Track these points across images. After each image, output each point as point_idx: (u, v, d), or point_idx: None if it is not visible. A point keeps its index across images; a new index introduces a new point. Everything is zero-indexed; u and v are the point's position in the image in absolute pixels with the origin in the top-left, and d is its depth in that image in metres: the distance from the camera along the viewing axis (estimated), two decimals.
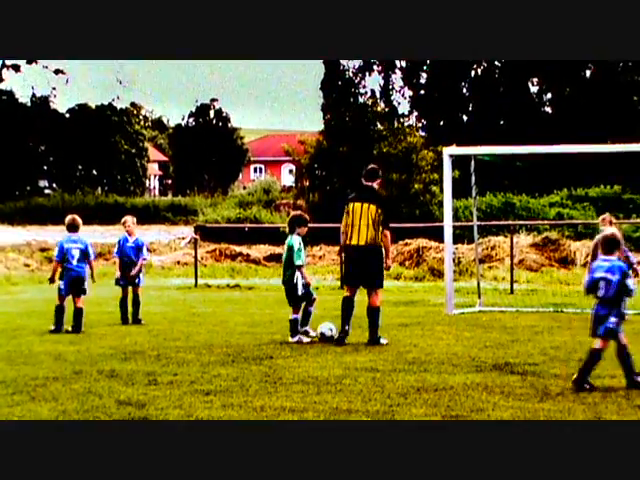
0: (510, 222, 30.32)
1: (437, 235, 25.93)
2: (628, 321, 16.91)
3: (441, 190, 29.14)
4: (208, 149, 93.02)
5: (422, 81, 60.85)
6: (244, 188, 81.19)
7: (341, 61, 59.65)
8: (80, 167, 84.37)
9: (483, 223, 29.79)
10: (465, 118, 60.03)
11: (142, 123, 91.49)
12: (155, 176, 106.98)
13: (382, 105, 54.93)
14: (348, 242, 14.34)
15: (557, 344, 13.88)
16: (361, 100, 57.48)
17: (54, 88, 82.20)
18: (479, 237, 24.43)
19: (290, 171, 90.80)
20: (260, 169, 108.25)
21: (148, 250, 19.05)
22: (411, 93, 60.92)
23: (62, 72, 76.84)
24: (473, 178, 19.97)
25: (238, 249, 32.66)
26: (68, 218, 16.36)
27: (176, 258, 32.24)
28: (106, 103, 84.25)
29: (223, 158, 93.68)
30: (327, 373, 11.37)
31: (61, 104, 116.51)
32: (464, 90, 60.48)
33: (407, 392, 10.17)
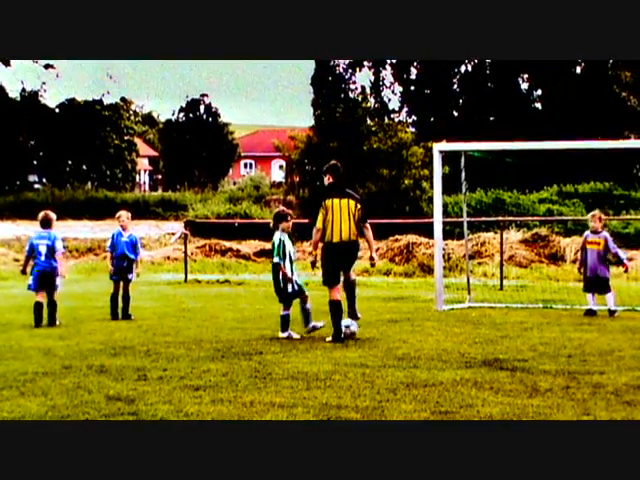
0: (500, 218, 30.30)
1: (427, 231, 25.91)
2: (618, 317, 17.05)
3: (431, 186, 29.19)
4: (198, 144, 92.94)
5: (412, 77, 60.85)
6: (234, 184, 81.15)
7: None
8: (70, 162, 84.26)
9: (473, 219, 29.79)
10: (455, 114, 60.06)
11: (132, 118, 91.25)
12: (145, 171, 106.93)
13: (372, 101, 54.97)
14: (329, 239, 14.04)
15: (546, 340, 13.90)
16: (351, 96, 57.48)
17: (44, 83, 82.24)
18: (469, 233, 24.44)
19: (280, 167, 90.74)
20: (250, 164, 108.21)
21: (141, 245, 19.09)
22: (401, 89, 60.92)
23: (52, 67, 76.69)
24: (463, 174, 19.99)
25: (228, 244, 32.63)
26: (40, 214, 16.39)
27: (166, 253, 32.18)
28: (97, 98, 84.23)
29: (213, 153, 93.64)
30: (317, 369, 11.38)
31: (51, 99, 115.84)
32: (454, 86, 60.51)
33: (396, 388, 10.17)
